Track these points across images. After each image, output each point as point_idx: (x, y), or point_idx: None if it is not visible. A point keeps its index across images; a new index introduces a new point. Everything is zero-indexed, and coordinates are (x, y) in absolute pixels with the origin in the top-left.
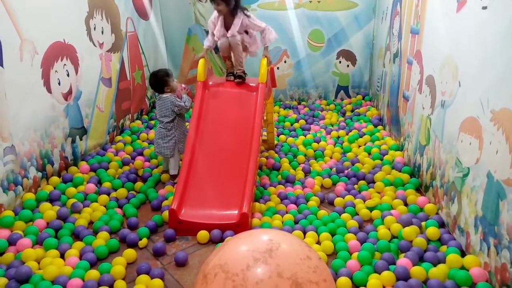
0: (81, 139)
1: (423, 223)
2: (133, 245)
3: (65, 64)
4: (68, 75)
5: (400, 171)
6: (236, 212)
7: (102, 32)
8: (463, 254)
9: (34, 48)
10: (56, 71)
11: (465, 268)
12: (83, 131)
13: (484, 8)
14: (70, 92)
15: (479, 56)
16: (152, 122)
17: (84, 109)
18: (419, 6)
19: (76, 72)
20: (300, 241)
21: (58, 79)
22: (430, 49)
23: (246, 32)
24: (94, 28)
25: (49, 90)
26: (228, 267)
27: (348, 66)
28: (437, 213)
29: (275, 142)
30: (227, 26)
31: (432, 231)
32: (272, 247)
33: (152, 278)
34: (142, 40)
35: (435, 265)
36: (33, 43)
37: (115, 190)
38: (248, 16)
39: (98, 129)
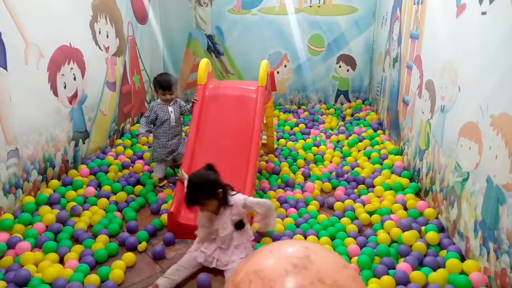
0: (83, 143)
1: (422, 228)
2: (133, 248)
3: (72, 68)
4: (74, 78)
5: (399, 176)
6: None
7: (107, 36)
8: (462, 258)
9: (40, 52)
10: (63, 74)
11: (465, 273)
12: (86, 135)
13: (484, 13)
14: (75, 95)
15: (478, 61)
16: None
17: (87, 112)
18: (418, 11)
19: (83, 76)
20: (334, 251)
21: (64, 82)
22: (430, 54)
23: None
24: (99, 32)
25: (55, 93)
26: (264, 274)
27: (348, 70)
28: (436, 218)
29: (275, 146)
30: (211, 219)
31: (432, 235)
32: (310, 254)
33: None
34: (139, 44)
35: (434, 270)
36: (38, 46)
37: (115, 193)
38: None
39: (99, 133)
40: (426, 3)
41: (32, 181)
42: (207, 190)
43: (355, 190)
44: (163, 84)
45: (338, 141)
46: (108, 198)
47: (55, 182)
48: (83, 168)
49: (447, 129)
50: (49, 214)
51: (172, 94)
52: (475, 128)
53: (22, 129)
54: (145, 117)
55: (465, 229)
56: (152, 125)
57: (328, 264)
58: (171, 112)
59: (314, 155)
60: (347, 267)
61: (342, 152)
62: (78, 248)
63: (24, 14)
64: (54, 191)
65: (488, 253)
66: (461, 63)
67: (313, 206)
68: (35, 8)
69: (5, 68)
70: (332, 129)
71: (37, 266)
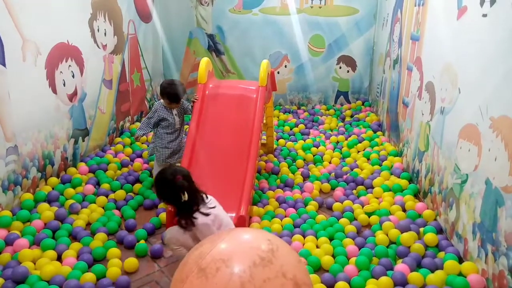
0: (83, 140)
1: (421, 229)
2: (131, 247)
3: (70, 65)
4: (73, 76)
5: (398, 177)
6: (233, 215)
7: (105, 34)
8: (460, 260)
9: (37, 49)
10: (61, 72)
11: (463, 275)
12: (86, 133)
13: (484, 16)
14: (75, 93)
15: (479, 64)
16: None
17: (88, 110)
18: (419, 13)
19: (81, 73)
20: (288, 245)
21: (63, 80)
22: (430, 56)
23: None
24: (98, 30)
25: (54, 91)
26: (232, 263)
27: (348, 71)
28: (435, 219)
29: (275, 146)
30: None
31: (430, 237)
32: (273, 247)
33: None
34: (142, 42)
35: (432, 271)
36: (35, 43)
37: (114, 191)
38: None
39: (99, 131)
40: (427, 5)
41: (31, 178)
42: (160, 189)
43: (354, 191)
44: (172, 97)
45: (338, 142)
46: (106, 196)
47: (54, 180)
48: (82, 166)
49: (446, 131)
50: (47, 211)
51: (178, 105)
52: (475, 130)
53: (21, 126)
54: (147, 118)
55: (464, 231)
56: (152, 127)
57: (288, 259)
58: (175, 115)
59: (314, 156)
60: (300, 261)
61: (341, 153)
62: (76, 245)
63: (21, 11)
64: (53, 188)
65: (486, 255)
66: (462, 65)
67: (312, 207)
68: (33, 5)
69: (4, 65)
70: (331, 130)
71: (35, 263)
